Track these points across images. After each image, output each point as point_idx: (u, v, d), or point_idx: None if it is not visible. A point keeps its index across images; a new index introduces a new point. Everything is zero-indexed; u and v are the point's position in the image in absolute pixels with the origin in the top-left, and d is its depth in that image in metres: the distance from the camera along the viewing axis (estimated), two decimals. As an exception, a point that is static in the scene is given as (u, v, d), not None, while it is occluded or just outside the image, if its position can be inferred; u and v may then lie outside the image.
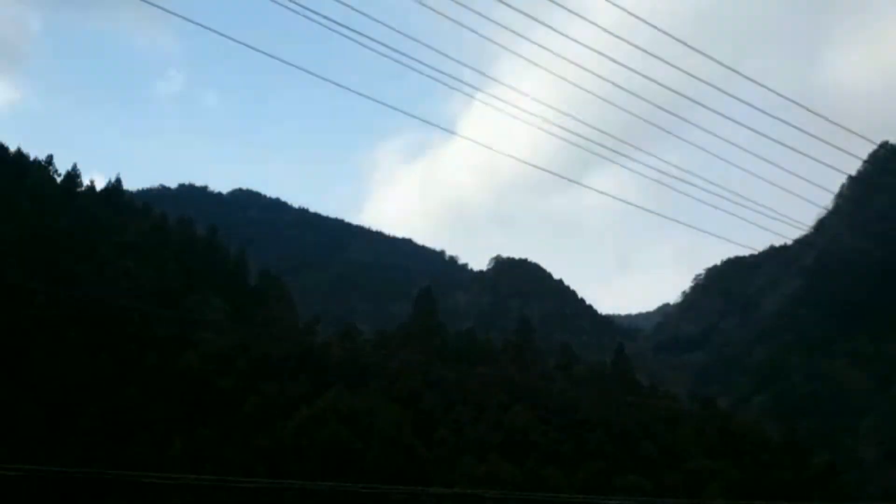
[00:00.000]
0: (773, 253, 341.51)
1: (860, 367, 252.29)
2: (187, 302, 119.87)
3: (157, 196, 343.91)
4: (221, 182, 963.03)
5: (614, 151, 28.34)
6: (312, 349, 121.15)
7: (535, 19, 22.02)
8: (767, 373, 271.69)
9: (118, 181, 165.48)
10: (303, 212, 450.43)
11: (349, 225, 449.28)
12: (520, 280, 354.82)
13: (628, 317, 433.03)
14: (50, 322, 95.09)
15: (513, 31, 23.71)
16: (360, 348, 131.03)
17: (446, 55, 24.15)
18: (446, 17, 22.69)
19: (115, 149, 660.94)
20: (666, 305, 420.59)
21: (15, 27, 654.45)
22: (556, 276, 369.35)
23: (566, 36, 23.04)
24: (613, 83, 25.96)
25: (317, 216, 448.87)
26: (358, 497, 74.80)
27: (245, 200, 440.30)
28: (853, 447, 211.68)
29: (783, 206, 32.43)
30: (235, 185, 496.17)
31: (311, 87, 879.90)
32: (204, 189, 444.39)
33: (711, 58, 25.41)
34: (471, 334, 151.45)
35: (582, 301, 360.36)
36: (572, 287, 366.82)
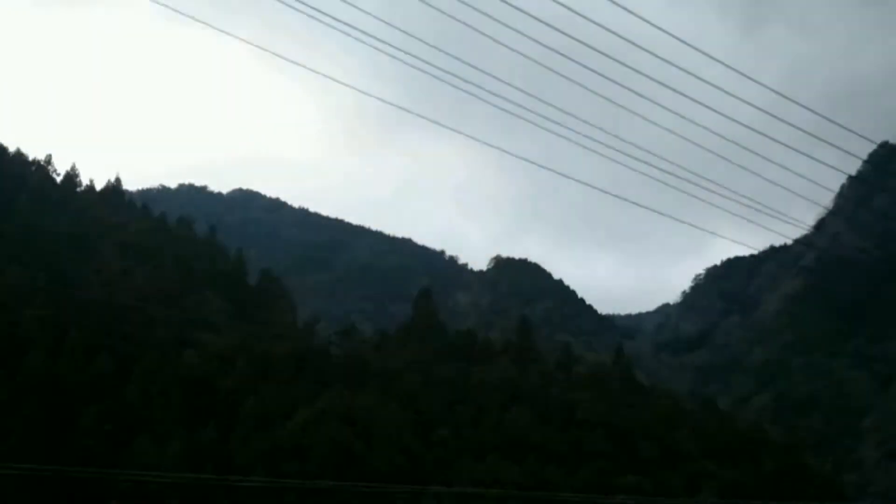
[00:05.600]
0: (773, 253, 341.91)
1: (860, 367, 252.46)
2: (187, 302, 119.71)
3: (157, 196, 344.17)
4: (221, 182, 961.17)
5: (614, 149, 28.31)
6: (312, 349, 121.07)
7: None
8: (767, 373, 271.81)
9: (118, 181, 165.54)
10: (303, 212, 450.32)
11: (349, 225, 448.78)
12: (520, 280, 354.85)
13: (628, 317, 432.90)
14: (50, 322, 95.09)
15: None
16: (360, 348, 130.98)
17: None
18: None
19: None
20: (666, 305, 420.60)
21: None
22: (556, 275, 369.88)
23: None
24: (606, 76, 25.95)
25: (317, 216, 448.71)
26: (358, 497, 74.85)
27: (245, 200, 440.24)
28: (853, 447, 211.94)
29: (783, 206, 32.47)
30: (235, 185, 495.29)
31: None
32: (204, 189, 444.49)
33: (712, 56, 25.40)
34: (471, 334, 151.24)
35: (582, 301, 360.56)
36: (572, 287, 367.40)
